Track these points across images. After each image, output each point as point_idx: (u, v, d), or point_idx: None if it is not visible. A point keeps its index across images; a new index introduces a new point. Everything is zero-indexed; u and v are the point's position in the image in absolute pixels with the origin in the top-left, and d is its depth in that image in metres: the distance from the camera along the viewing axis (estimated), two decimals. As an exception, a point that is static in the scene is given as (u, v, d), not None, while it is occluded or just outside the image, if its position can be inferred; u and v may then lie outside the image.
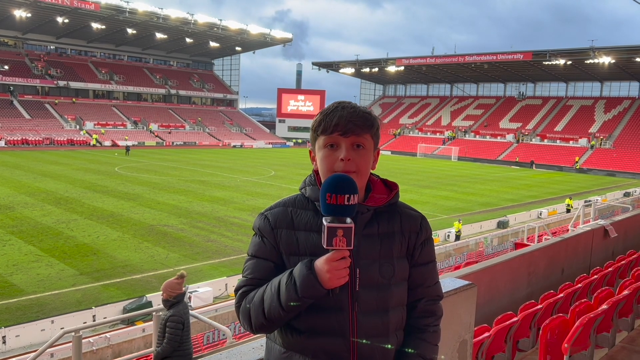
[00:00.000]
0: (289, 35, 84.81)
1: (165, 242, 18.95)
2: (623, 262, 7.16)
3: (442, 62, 74.86)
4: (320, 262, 1.42)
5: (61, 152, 52.27)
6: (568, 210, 28.56)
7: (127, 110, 74.66)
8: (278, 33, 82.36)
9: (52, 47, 76.80)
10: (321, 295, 1.44)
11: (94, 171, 37.08)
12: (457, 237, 21.80)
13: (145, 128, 71.32)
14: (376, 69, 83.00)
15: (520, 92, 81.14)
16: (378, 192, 1.64)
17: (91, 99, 73.99)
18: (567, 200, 30.00)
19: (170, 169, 41.53)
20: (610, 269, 6.72)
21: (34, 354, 5.95)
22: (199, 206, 25.59)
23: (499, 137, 70.58)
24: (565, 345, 3.75)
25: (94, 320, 11.48)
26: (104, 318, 11.13)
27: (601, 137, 63.41)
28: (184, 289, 5.77)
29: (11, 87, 66.78)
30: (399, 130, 79.48)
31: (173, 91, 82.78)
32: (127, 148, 53.92)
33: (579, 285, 5.80)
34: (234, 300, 1.65)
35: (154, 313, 6.23)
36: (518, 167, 58.79)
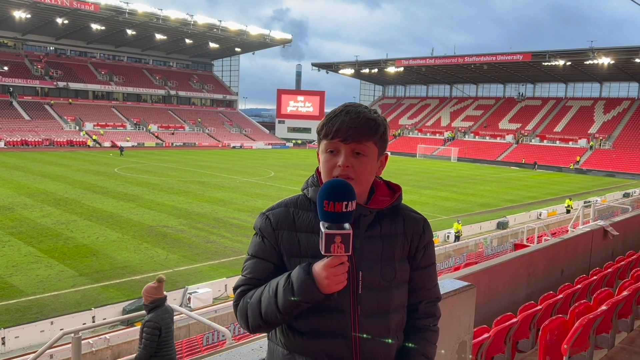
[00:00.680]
0: (289, 36, 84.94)
1: (165, 243, 18.95)
2: (622, 263, 7.16)
3: (441, 63, 74.93)
4: (318, 267, 1.41)
5: (61, 153, 52.26)
6: (568, 211, 28.55)
7: (126, 111, 74.66)
8: (277, 34, 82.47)
9: (51, 48, 76.79)
10: (319, 299, 1.44)
11: (94, 172, 37.07)
12: (457, 238, 21.80)
13: (144, 129, 71.32)
14: (376, 70, 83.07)
15: (519, 93, 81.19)
16: (381, 194, 1.63)
17: (91, 100, 73.97)
18: (567, 201, 29.97)
19: (170, 169, 41.52)
20: (609, 270, 6.71)
21: (33, 355, 5.95)
22: (198, 207, 25.59)
23: (498, 138, 70.61)
24: (565, 346, 3.76)
25: (94, 322, 11.46)
26: (104, 319, 11.09)
27: (600, 137, 63.44)
28: (164, 293, 5.57)
29: (11, 88, 66.78)
30: (398, 131, 79.49)
31: (172, 92, 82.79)
32: (121, 148, 53.85)
33: (579, 286, 5.80)
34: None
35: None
36: (517, 168, 58.82)
